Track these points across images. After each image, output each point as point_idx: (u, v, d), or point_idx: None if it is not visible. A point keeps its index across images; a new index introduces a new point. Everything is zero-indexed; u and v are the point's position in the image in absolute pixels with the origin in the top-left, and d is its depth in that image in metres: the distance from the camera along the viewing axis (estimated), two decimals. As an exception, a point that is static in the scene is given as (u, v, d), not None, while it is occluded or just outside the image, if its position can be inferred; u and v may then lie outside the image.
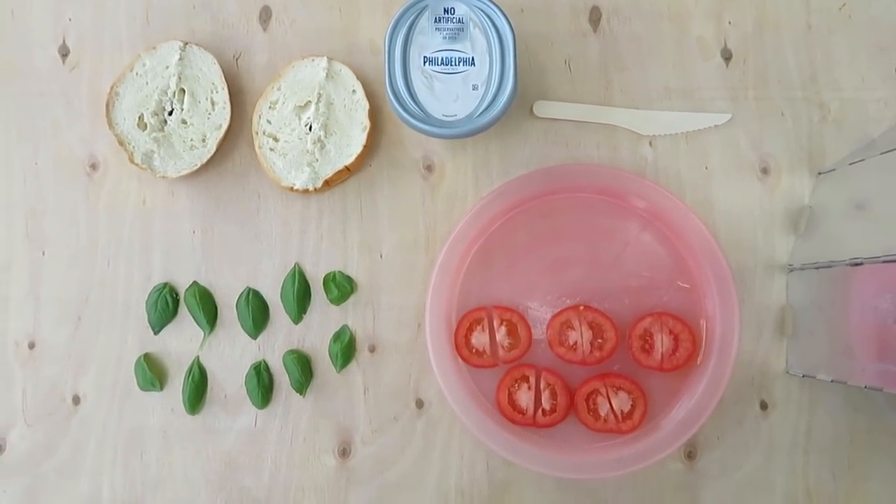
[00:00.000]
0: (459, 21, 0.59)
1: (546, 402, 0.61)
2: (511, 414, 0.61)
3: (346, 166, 0.63)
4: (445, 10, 0.59)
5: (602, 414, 0.61)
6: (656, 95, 0.66)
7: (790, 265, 0.64)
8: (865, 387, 0.52)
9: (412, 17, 0.59)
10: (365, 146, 0.63)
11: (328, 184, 0.63)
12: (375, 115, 0.64)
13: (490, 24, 0.59)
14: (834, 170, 0.63)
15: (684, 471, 0.62)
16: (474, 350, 0.62)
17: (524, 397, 0.62)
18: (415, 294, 0.63)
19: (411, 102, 0.58)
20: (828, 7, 0.66)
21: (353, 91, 0.64)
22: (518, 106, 0.65)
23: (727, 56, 0.66)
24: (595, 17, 0.66)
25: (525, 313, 0.63)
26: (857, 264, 0.55)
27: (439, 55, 0.59)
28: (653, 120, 0.65)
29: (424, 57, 0.59)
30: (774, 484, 0.62)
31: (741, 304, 0.61)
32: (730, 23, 0.66)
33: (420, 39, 0.59)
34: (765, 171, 0.65)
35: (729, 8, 0.66)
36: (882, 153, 0.56)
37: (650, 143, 0.65)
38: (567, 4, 0.67)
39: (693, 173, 0.65)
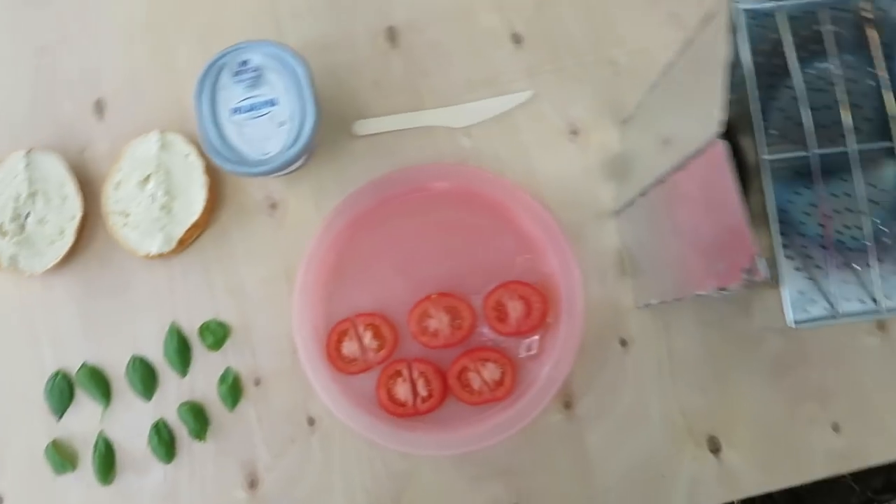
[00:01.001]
0: (256, 70, 0.65)
1: (422, 390, 0.66)
2: (393, 409, 0.66)
3: (194, 223, 0.68)
4: (241, 63, 0.65)
5: (476, 387, 0.66)
6: (462, 90, 0.71)
7: (616, 210, 0.69)
8: (697, 295, 0.57)
9: (213, 77, 0.65)
10: (208, 200, 0.68)
11: (183, 243, 0.68)
12: (212, 170, 0.70)
13: (284, 65, 0.64)
14: (633, 116, 0.69)
15: (565, 420, 0.67)
16: (347, 359, 0.66)
17: (402, 390, 0.66)
18: (284, 322, 0.68)
19: (228, 151, 0.64)
20: (594, -25, 0.73)
21: (187, 155, 0.69)
22: (340, 130, 0.71)
23: (517, 40, 0.72)
24: (391, 35, 0.73)
25: (388, 314, 0.68)
26: (661, 181, 0.60)
27: (244, 104, 0.64)
28: (462, 112, 0.71)
29: (231, 108, 0.64)
30: (650, 412, 0.66)
31: (577, 257, 0.66)
32: (510, 9, 0.73)
33: (224, 94, 0.64)
34: (574, 133, 0.71)
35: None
36: (660, 87, 0.62)
37: (466, 135, 0.71)
38: (364, 31, 0.73)
39: (511, 151, 0.70)
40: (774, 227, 0.53)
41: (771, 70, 0.56)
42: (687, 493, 0.65)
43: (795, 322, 0.51)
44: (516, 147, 0.70)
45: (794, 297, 0.53)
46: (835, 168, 0.55)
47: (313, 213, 0.70)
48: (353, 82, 0.72)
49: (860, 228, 0.54)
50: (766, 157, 0.53)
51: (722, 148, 0.53)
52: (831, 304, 0.53)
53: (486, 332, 0.67)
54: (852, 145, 0.53)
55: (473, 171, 0.69)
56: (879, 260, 0.53)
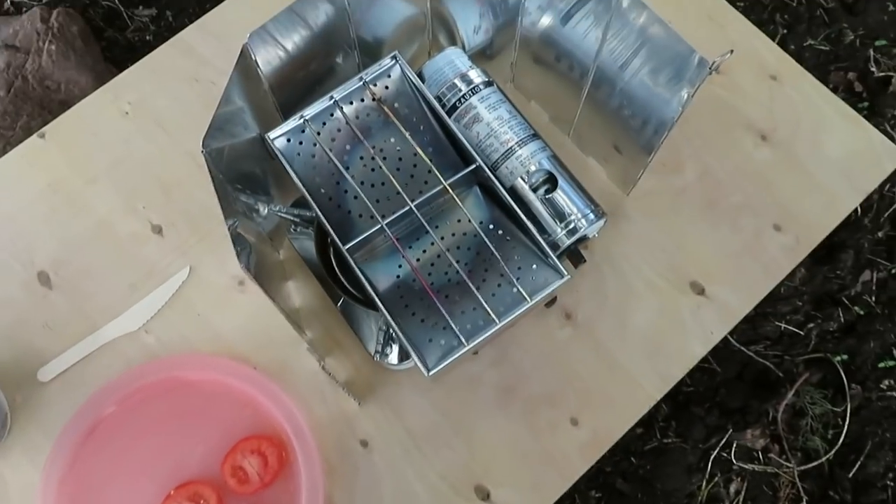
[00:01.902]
0: None
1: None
2: None
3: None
4: None
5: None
6: (128, 295, 0.74)
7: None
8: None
9: None
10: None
11: None
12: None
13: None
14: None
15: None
16: None
17: None
18: None
19: None
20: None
21: None
22: (29, 384, 0.71)
23: (158, 231, 0.77)
24: (43, 278, 0.75)
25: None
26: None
27: None
28: (134, 315, 0.74)
29: None
30: (414, 490, 0.69)
31: (290, 390, 0.70)
32: (143, 206, 0.78)
33: None
34: (241, 283, 0.75)
35: (138, 197, 0.78)
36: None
37: (147, 332, 0.74)
38: (17, 285, 0.75)
39: (193, 326, 0.73)
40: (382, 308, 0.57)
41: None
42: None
43: (430, 373, 0.56)
44: (195, 320, 0.74)
45: (421, 355, 0.58)
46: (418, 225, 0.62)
47: (34, 475, 0.69)
48: (23, 335, 0.73)
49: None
50: (346, 247, 0.59)
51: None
52: (460, 338, 0.57)
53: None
54: (413, 204, 0.60)
55: (163, 362, 0.71)
56: (478, 288, 0.60)
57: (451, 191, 0.61)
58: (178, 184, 0.78)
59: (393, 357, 0.67)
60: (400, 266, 0.62)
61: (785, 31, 1.26)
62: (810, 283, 1.14)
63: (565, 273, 0.59)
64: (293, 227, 0.72)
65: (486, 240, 0.61)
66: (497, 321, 0.58)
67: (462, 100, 0.70)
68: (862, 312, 1.15)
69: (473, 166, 0.61)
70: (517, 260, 0.61)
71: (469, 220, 0.61)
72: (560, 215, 0.67)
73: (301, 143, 0.63)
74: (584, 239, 0.70)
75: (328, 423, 0.70)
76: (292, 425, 0.69)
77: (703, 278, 0.75)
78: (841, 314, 1.14)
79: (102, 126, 0.80)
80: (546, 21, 0.69)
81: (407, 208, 0.60)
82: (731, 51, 0.52)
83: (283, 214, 0.66)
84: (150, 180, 0.78)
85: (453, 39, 0.76)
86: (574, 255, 0.70)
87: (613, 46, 0.64)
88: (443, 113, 0.63)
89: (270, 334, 0.73)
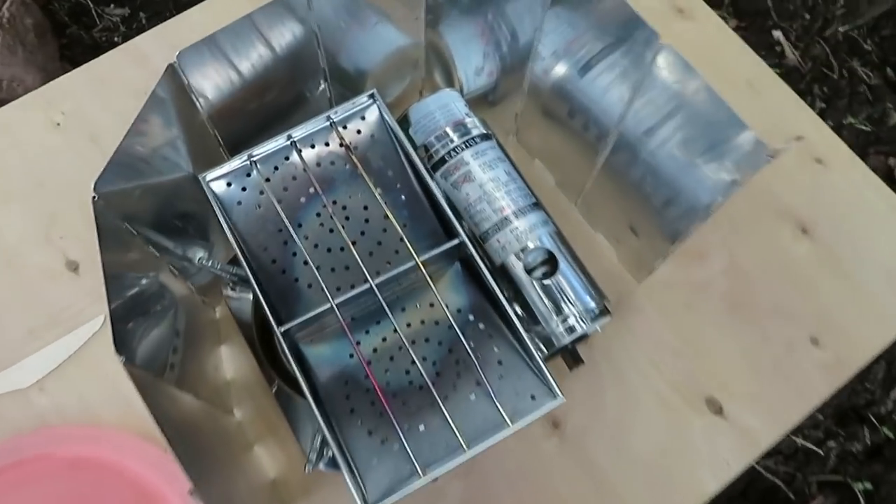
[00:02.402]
0: None
1: None
2: None
3: None
4: None
5: None
6: (25, 343, 0.61)
7: (235, 412, 0.60)
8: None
9: None
10: None
11: None
12: None
13: None
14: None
15: None
16: None
17: None
18: None
19: None
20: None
21: None
22: None
23: (74, 268, 0.64)
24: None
25: None
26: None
27: None
28: (27, 368, 0.60)
29: None
30: None
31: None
32: (61, 237, 0.65)
33: None
34: (166, 343, 0.62)
35: (56, 225, 0.65)
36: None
37: (41, 390, 0.60)
38: None
39: (99, 388, 0.60)
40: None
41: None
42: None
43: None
44: (103, 383, 0.60)
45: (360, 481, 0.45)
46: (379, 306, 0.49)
47: None
48: None
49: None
50: (284, 328, 0.47)
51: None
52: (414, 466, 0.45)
53: None
54: (375, 282, 0.48)
55: (50, 432, 0.58)
56: (445, 397, 0.47)
57: (423, 269, 0.48)
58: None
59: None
60: (351, 356, 0.49)
61: (823, 104, 1.15)
62: (835, 394, 1.01)
63: (559, 394, 0.46)
64: (231, 285, 0.60)
65: (460, 335, 0.48)
66: (465, 448, 0.44)
67: (453, 153, 0.58)
68: (891, 435, 1.01)
69: (455, 242, 0.49)
70: (499, 365, 0.48)
71: (443, 308, 0.49)
72: (558, 308, 0.55)
73: (245, 188, 0.50)
74: (583, 337, 0.57)
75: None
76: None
77: (721, 394, 0.62)
78: (867, 434, 1.01)
79: (28, 137, 0.68)
80: (561, 70, 0.57)
81: (366, 286, 0.47)
82: (799, 137, 0.40)
83: (216, 271, 0.53)
84: (74, 206, 0.65)
85: (450, 80, 0.64)
86: (570, 354, 0.57)
87: (639, 107, 0.52)
88: (423, 170, 0.50)
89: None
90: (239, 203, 0.50)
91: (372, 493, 0.44)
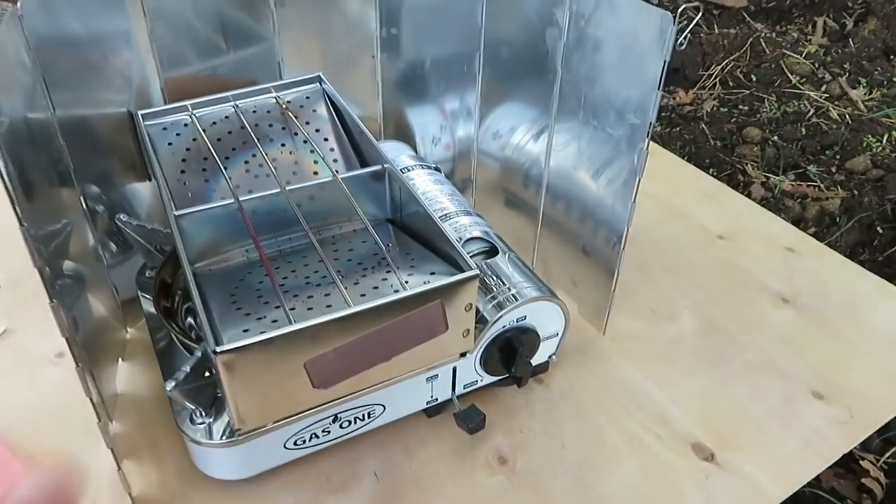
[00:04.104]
0: None
1: None
2: None
3: None
4: None
5: None
6: None
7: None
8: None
9: None
10: None
11: None
12: None
13: None
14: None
15: None
16: None
17: None
18: None
19: None
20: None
21: None
22: None
23: (-6, 290, 0.60)
24: None
25: None
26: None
27: None
28: None
29: None
30: None
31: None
32: (-6, 267, 0.62)
33: None
34: (60, 356, 0.55)
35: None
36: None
37: None
38: None
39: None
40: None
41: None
42: None
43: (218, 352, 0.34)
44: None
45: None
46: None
47: None
48: None
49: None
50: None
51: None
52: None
53: None
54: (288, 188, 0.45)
55: None
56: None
57: (337, 176, 0.45)
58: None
59: (214, 432, 0.43)
60: (250, 273, 0.43)
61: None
62: None
63: (472, 266, 0.39)
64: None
65: (373, 234, 0.42)
66: (350, 303, 0.36)
67: (404, 170, 0.58)
68: None
69: (379, 167, 0.47)
70: (410, 261, 0.42)
71: (361, 217, 0.44)
72: (497, 283, 0.49)
73: (178, 134, 0.51)
74: (534, 366, 0.49)
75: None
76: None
77: (711, 442, 0.50)
78: None
79: None
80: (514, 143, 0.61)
81: (276, 191, 0.44)
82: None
83: (124, 222, 0.50)
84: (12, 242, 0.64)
85: (409, 144, 0.67)
86: (463, 418, 0.49)
87: (565, 150, 0.55)
88: (363, 127, 0.50)
89: (66, 416, 0.50)
90: (169, 144, 0.50)
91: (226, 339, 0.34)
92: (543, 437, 0.50)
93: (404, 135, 0.67)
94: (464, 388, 0.50)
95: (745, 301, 0.62)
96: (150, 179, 0.53)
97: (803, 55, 1.57)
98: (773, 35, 1.66)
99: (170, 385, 0.39)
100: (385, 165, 0.47)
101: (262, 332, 0.35)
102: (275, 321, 0.38)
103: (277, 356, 0.36)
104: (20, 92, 0.42)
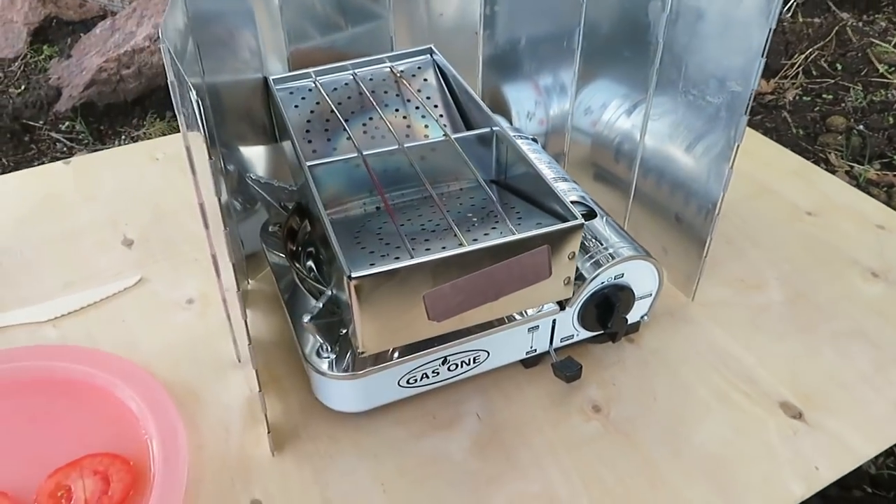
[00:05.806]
0: None
1: None
2: None
3: None
4: None
5: None
6: (58, 291, 0.61)
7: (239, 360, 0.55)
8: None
9: None
10: None
11: None
12: None
13: None
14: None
15: None
16: None
17: None
18: None
19: None
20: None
21: None
22: None
23: (129, 244, 0.66)
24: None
25: None
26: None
27: None
28: (50, 307, 0.59)
29: None
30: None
31: (191, 416, 0.50)
32: (126, 223, 0.69)
33: None
34: (190, 301, 0.60)
35: (123, 213, 0.70)
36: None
37: (54, 326, 0.58)
38: None
39: (110, 331, 0.57)
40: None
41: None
42: None
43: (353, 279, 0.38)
44: (116, 326, 0.58)
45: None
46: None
47: None
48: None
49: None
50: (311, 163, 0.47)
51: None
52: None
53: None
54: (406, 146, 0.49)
55: (31, 350, 0.54)
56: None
57: (450, 136, 0.49)
58: (172, 213, 0.70)
59: (337, 365, 0.47)
60: (371, 211, 0.47)
61: None
62: None
63: (578, 216, 0.42)
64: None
65: (485, 186, 0.46)
66: (465, 243, 0.40)
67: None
68: None
69: (487, 130, 0.50)
70: (516, 214, 0.45)
71: (473, 173, 0.47)
72: (595, 244, 0.52)
73: (304, 98, 0.55)
74: (630, 326, 0.52)
75: (219, 468, 0.47)
76: (165, 451, 0.47)
77: (800, 401, 0.52)
78: None
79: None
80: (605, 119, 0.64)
81: (396, 147, 0.48)
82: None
83: (254, 179, 0.55)
84: (145, 207, 0.71)
85: (507, 118, 0.71)
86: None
87: (660, 121, 0.58)
88: (473, 93, 0.54)
89: (197, 355, 0.55)
90: (295, 107, 0.55)
91: (357, 270, 0.39)
92: (635, 391, 0.53)
93: (500, 110, 0.71)
94: (560, 342, 0.54)
95: (835, 274, 0.63)
96: (277, 140, 0.58)
97: (892, 44, 1.53)
98: (860, 24, 1.63)
99: (306, 318, 0.44)
100: (494, 128, 0.51)
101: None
102: (397, 258, 0.42)
103: (400, 286, 0.40)
104: (187, 58, 0.48)
